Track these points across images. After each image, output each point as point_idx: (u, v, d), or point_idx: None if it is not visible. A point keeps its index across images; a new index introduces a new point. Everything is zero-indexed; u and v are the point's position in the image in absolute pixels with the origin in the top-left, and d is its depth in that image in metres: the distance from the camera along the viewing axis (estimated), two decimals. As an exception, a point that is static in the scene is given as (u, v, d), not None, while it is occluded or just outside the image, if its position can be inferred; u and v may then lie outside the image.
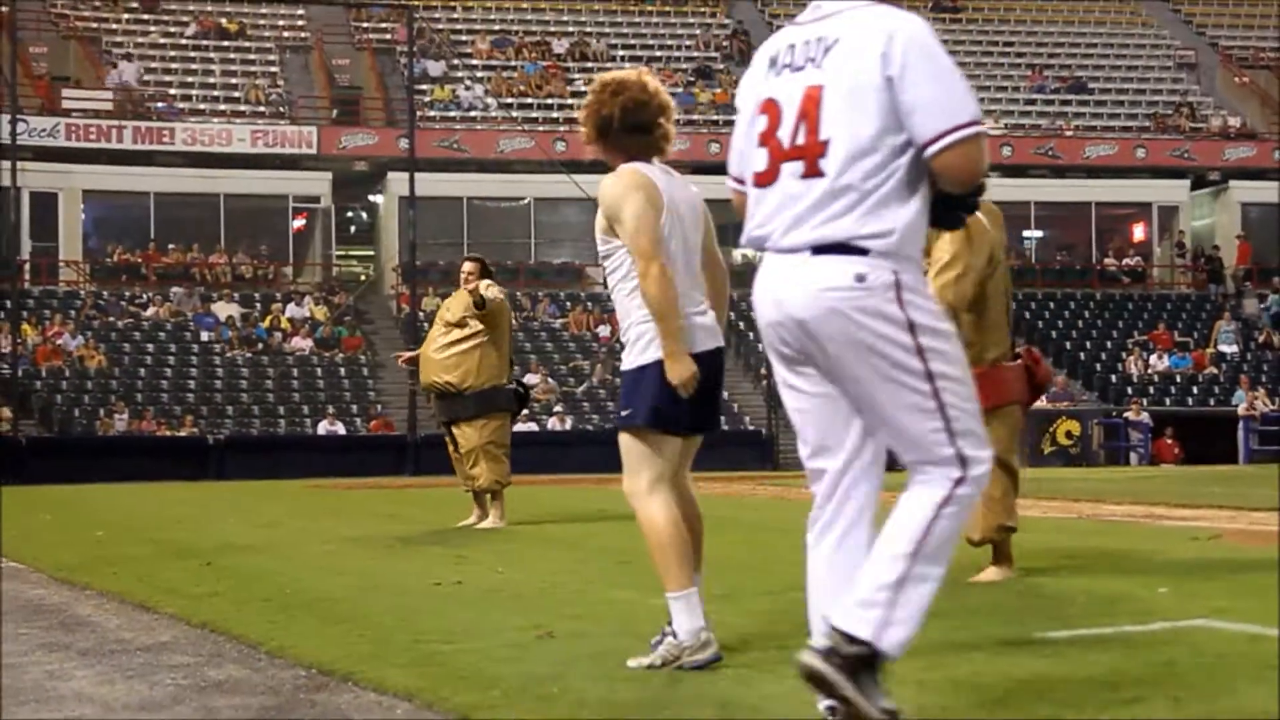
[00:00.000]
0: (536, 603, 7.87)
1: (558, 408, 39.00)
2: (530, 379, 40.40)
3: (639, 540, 11.63)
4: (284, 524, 15.69)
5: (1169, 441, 37.19)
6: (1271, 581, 7.83)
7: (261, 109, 47.27)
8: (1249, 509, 14.11)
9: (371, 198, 48.69)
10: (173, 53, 48.87)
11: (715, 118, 49.33)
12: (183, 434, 35.89)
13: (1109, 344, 45.49)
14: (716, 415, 6.28)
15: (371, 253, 49.66)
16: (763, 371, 40.52)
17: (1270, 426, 37.54)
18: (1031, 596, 7.53)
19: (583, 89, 48.98)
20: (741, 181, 4.67)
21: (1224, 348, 44.84)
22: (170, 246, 45.07)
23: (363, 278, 49.21)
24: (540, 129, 46.64)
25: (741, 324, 45.40)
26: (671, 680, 5.32)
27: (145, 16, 49.61)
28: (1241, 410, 38.12)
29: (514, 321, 14.30)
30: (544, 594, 8.32)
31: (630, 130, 6.07)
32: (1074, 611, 6.88)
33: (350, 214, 50.14)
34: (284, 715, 5.10)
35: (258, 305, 43.68)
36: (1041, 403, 39.09)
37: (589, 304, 45.37)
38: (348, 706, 5.24)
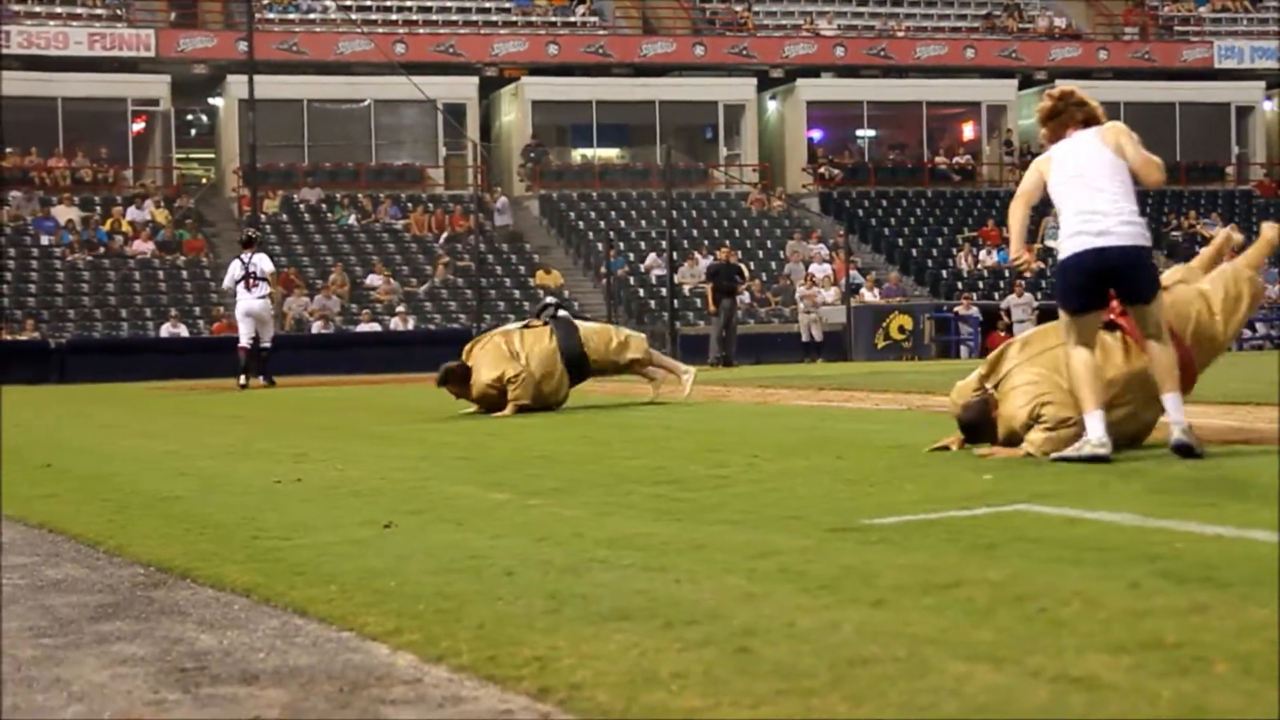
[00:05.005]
0: (375, 499, 7.93)
1: (400, 308, 38.91)
2: (374, 280, 40.29)
3: (478, 437, 11.79)
4: (125, 426, 15.59)
5: (1002, 335, 37.79)
6: (1090, 467, 8.06)
7: (99, 11, 46.35)
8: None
9: (211, 100, 48.10)
10: (3, -47, 47.76)
11: (554, 19, 49.15)
12: (24, 338, 35.38)
13: (940, 240, 46.14)
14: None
15: (212, 156, 49.14)
16: (602, 270, 40.61)
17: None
18: (863, 485, 7.70)
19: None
20: None
21: (1051, 243, 45.45)
22: (8, 150, 44.20)
23: (203, 180, 48.64)
24: (380, 31, 46.25)
25: (581, 224, 45.47)
26: (506, 571, 5.42)
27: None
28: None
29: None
30: (383, 490, 8.39)
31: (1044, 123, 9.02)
32: (902, 499, 7.06)
33: (190, 117, 49.55)
34: (121, 613, 5.13)
35: (98, 209, 43.06)
36: (875, 298, 39.68)
37: (430, 205, 45.20)
38: (185, 603, 5.28)
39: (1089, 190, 8.55)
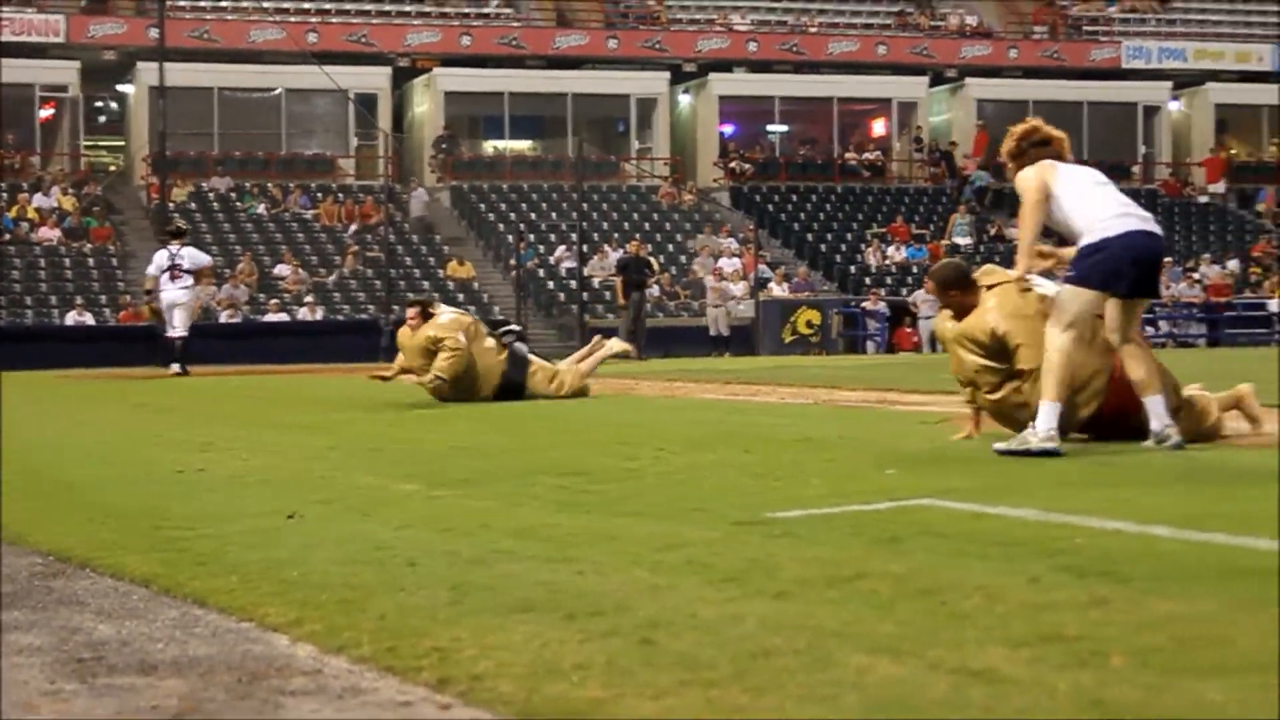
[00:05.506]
0: (282, 489, 7.89)
1: (309, 298, 38.72)
2: (282, 269, 40.08)
3: (388, 428, 11.78)
4: (27, 414, 15.42)
5: (909, 330, 38.11)
6: (994, 461, 8.13)
7: (7, -4, 45.85)
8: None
9: (120, 87, 47.65)
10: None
11: (467, 10, 49.03)
12: (-73, 324, 34.99)
13: (849, 236, 46.34)
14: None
15: (121, 143, 48.71)
16: (512, 263, 40.56)
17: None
18: (769, 479, 7.72)
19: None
20: None
21: (959, 239, 45.98)
22: (-86, 136, 43.69)
23: (112, 168, 48.24)
24: (292, 19, 46.00)
25: (491, 215, 45.37)
26: (410, 562, 5.40)
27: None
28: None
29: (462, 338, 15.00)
30: (291, 480, 8.35)
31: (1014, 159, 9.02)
32: (807, 493, 7.08)
33: (99, 104, 49.06)
34: (18, 602, 5.08)
35: (4, 195, 42.55)
36: (784, 293, 39.85)
37: (340, 195, 45.02)
38: (84, 593, 5.24)
39: (1116, 196, 8.76)
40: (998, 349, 9.00)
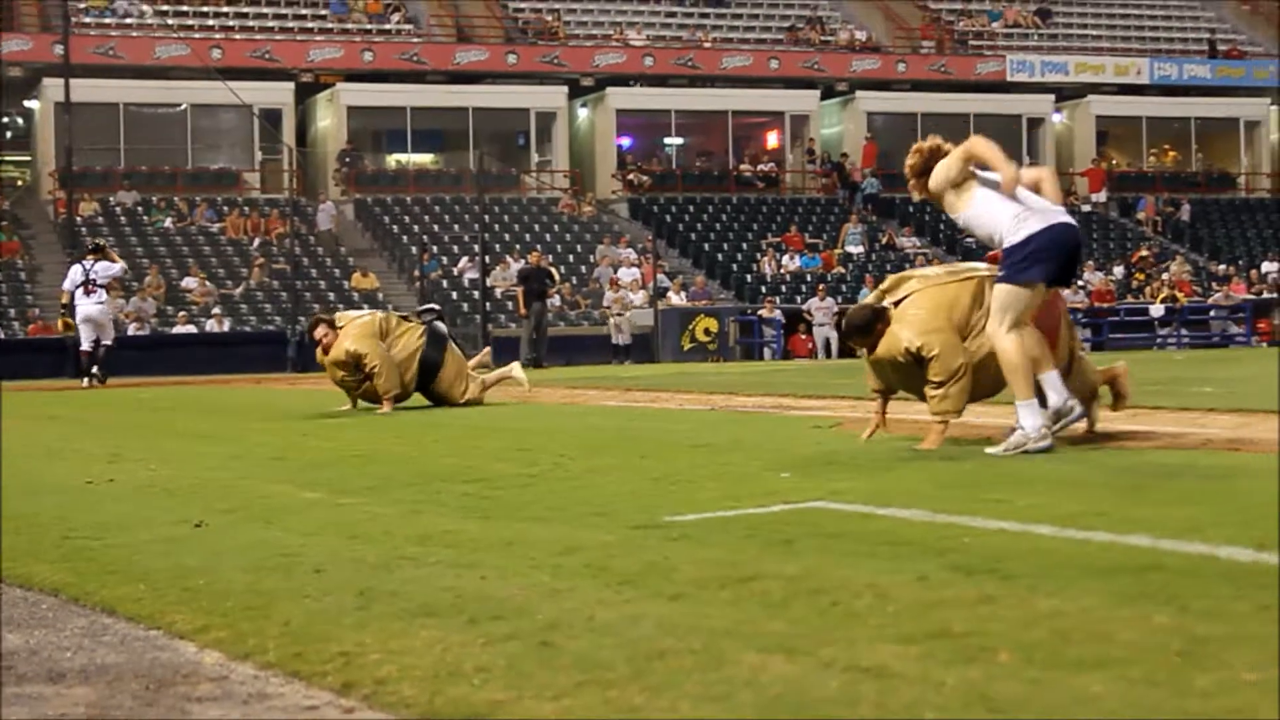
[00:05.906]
0: (189, 498, 7.90)
1: (216, 309, 38.53)
2: (189, 282, 39.86)
3: (293, 437, 11.79)
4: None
5: (803, 337, 38.41)
6: (885, 464, 8.26)
7: (-88, 13, 45.27)
8: (868, 398, 14.65)
9: (27, 103, 47.26)
10: None
11: (369, 26, 48.94)
12: None
13: (745, 245, 46.55)
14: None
15: (28, 158, 48.33)
16: (416, 274, 40.50)
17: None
18: (666, 483, 7.80)
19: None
20: None
21: (851, 248, 46.35)
22: None
23: (19, 182, 47.85)
24: (196, 36, 45.75)
25: (395, 227, 45.27)
26: (315, 569, 5.45)
27: None
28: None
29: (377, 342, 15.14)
30: (197, 489, 8.36)
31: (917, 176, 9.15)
32: (703, 496, 7.16)
33: (5, 119, 48.62)
34: (-73, 614, 5.09)
35: (-89, 211, 42.08)
36: (682, 301, 40.00)
37: (245, 209, 44.83)
38: (-7, 603, 5.26)
39: (1031, 195, 8.84)
40: (914, 365, 9.11)
